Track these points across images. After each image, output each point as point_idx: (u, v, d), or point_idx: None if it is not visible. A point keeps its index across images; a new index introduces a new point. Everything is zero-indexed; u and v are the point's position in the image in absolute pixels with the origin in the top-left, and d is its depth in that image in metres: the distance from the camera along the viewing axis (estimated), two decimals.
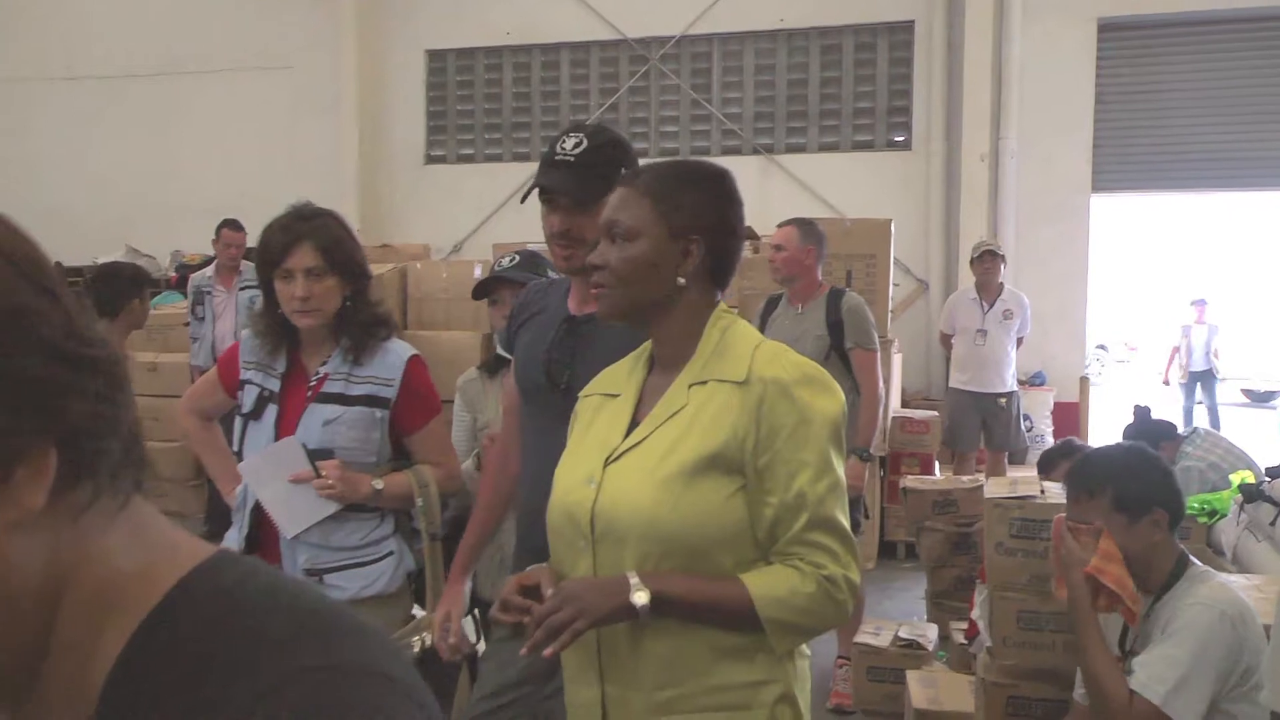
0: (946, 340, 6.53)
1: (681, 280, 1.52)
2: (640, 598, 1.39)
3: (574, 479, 1.54)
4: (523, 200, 1.97)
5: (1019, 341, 6.39)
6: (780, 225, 4.23)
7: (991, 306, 6.22)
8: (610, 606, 1.39)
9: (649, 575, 1.42)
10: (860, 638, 3.54)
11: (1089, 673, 2.08)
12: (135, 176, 9.57)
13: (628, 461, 1.49)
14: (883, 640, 3.49)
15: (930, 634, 3.62)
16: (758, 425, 1.43)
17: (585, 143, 1.88)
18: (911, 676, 3.09)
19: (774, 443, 1.43)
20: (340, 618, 0.57)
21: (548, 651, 1.39)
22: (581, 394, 1.70)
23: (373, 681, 0.53)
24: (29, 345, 0.50)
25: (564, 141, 1.90)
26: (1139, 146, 7.79)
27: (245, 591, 0.57)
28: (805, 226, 4.16)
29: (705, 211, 1.53)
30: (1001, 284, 6.26)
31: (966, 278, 7.45)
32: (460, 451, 2.67)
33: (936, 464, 6.21)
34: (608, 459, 1.51)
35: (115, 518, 0.56)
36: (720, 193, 1.56)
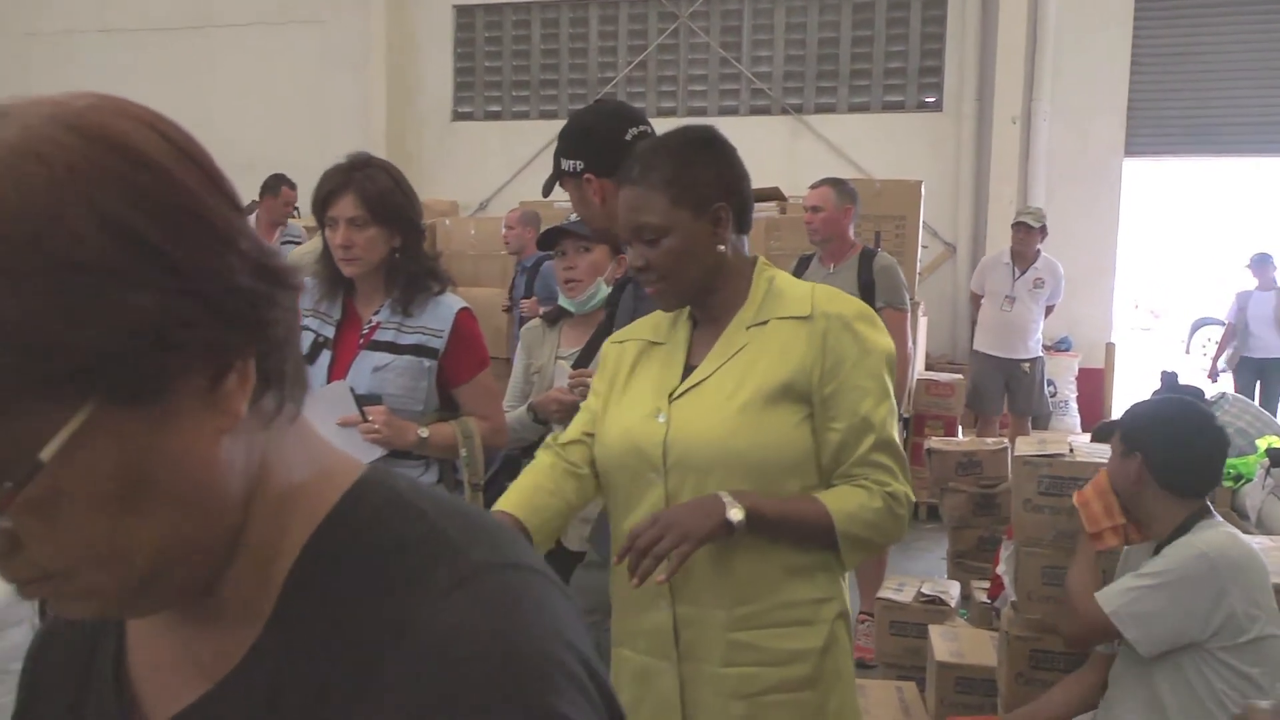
0: (977, 300, 6.51)
1: (722, 248, 1.60)
2: (736, 514, 1.47)
3: (636, 416, 1.61)
4: (545, 193, 2.18)
5: (1049, 310, 6.36)
6: (814, 186, 4.24)
7: (1023, 274, 6.18)
8: (710, 525, 1.46)
9: (739, 494, 1.50)
10: (883, 593, 3.60)
11: (1068, 577, 2.25)
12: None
13: (697, 396, 1.57)
14: (905, 596, 3.54)
15: (952, 591, 3.67)
16: (823, 356, 1.54)
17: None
18: (934, 631, 3.15)
19: (839, 372, 1.54)
20: (494, 521, 0.62)
21: (660, 578, 1.46)
22: (610, 340, 1.78)
23: (536, 577, 0.58)
24: (240, 261, 0.53)
25: None
26: (1174, 110, 7.69)
27: (415, 496, 0.60)
28: (840, 186, 4.18)
29: (718, 177, 1.60)
30: (1038, 251, 6.21)
31: (995, 242, 7.42)
32: (514, 394, 2.74)
33: (960, 427, 6.24)
34: (672, 396, 1.59)
35: (291, 429, 0.59)
36: (722, 153, 1.63)
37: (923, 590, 3.58)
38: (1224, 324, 7.83)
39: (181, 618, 0.59)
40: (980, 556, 4.12)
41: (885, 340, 1.59)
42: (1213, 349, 8.14)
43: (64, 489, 0.48)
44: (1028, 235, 6.12)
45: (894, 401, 1.60)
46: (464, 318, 2.29)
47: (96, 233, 0.47)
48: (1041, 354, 6.33)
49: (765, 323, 1.59)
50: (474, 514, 0.61)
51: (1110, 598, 2.08)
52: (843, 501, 1.54)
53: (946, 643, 3.03)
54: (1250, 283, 7.73)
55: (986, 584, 3.49)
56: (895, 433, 1.60)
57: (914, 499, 1.61)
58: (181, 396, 0.51)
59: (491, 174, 8.92)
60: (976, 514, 4.24)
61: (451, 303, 2.29)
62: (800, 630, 1.56)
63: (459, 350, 2.27)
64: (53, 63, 9.94)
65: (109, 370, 0.48)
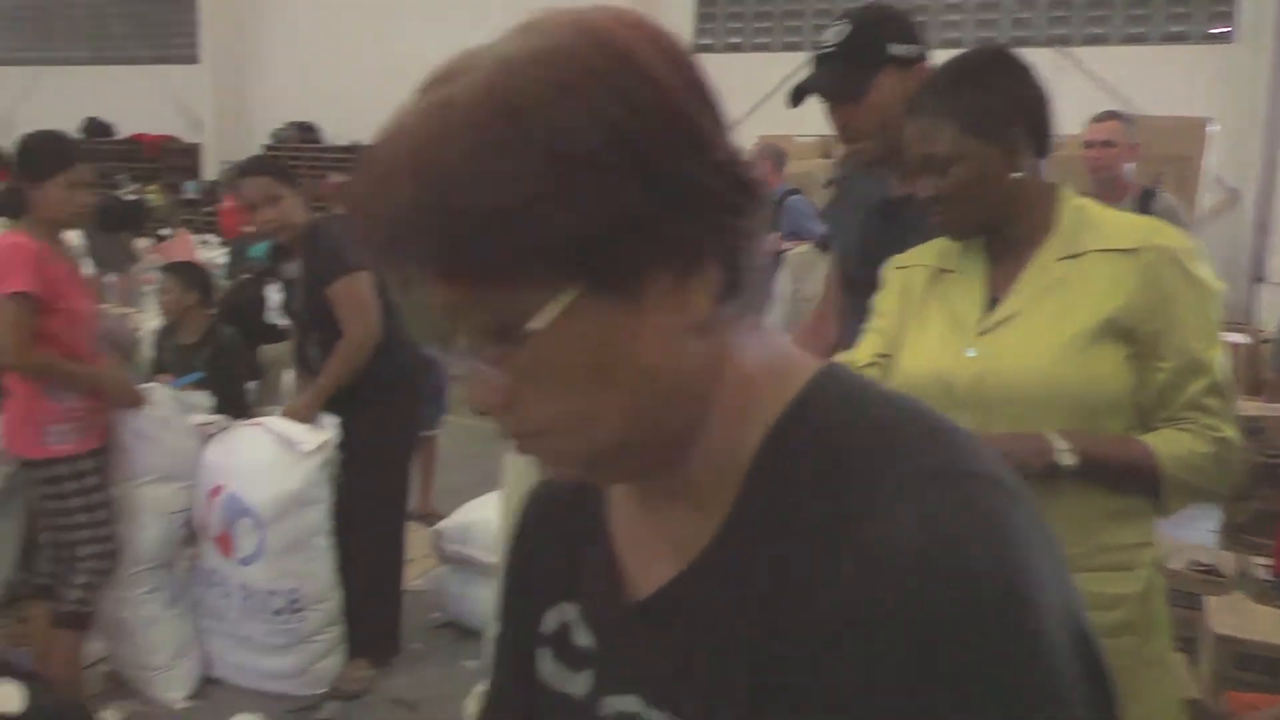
0: None
1: (1018, 175, 1.52)
2: (1068, 458, 1.42)
3: (941, 350, 1.57)
4: (794, 104, 1.92)
5: None
6: (1099, 119, 3.98)
7: None
8: (1041, 464, 1.43)
9: (1068, 434, 1.45)
10: None
11: None
12: (424, 54, 10.13)
13: (1011, 331, 1.52)
14: (1177, 564, 3.31)
15: (1228, 563, 3.40)
16: (1151, 291, 1.46)
17: (847, 28, 1.85)
18: (1212, 602, 2.93)
19: (1168, 308, 1.46)
20: (951, 425, 0.60)
21: None
22: (894, 264, 1.72)
23: (996, 489, 0.55)
24: (715, 170, 0.56)
25: (828, 31, 1.88)
26: None
27: (871, 394, 0.61)
28: (1128, 121, 3.92)
29: (1011, 100, 1.52)
30: None
31: None
32: (778, 319, 2.75)
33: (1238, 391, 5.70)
34: (981, 330, 1.54)
35: (751, 331, 0.62)
36: (1015, 73, 1.54)
37: (1199, 560, 3.33)
38: None
39: (656, 498, 0.64)
40: (1259, 530, 3.78)
41: (1211, 274, 1.50)
42: None
43: (547, 359, 0.55)
44: None
45: (1222, 343, 1.50)
46: None
47: (593, 131, 0.52)
48: None
49: (1081, 255, 1.52)
50: (930, 415, 0.60)
51: None
52: (1170, 445, 1.47)
53: (1227, 616, 2.82)
54: None
55: (1266, 560, 3.21)
56: (1228, 376, 1.50)
57: (1242, 446, 1.50)
58: (651, 290, 0.55)
59: (731, 107, 8.73)
60: (1258, 485, 3.89)
61: None
62: (1119, 575, 1.51)
63: None
64: None
65: (592, 257, 0.53)
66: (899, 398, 0.61)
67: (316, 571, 2.95)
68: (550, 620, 0.72)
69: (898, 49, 1.86)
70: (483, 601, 3.25)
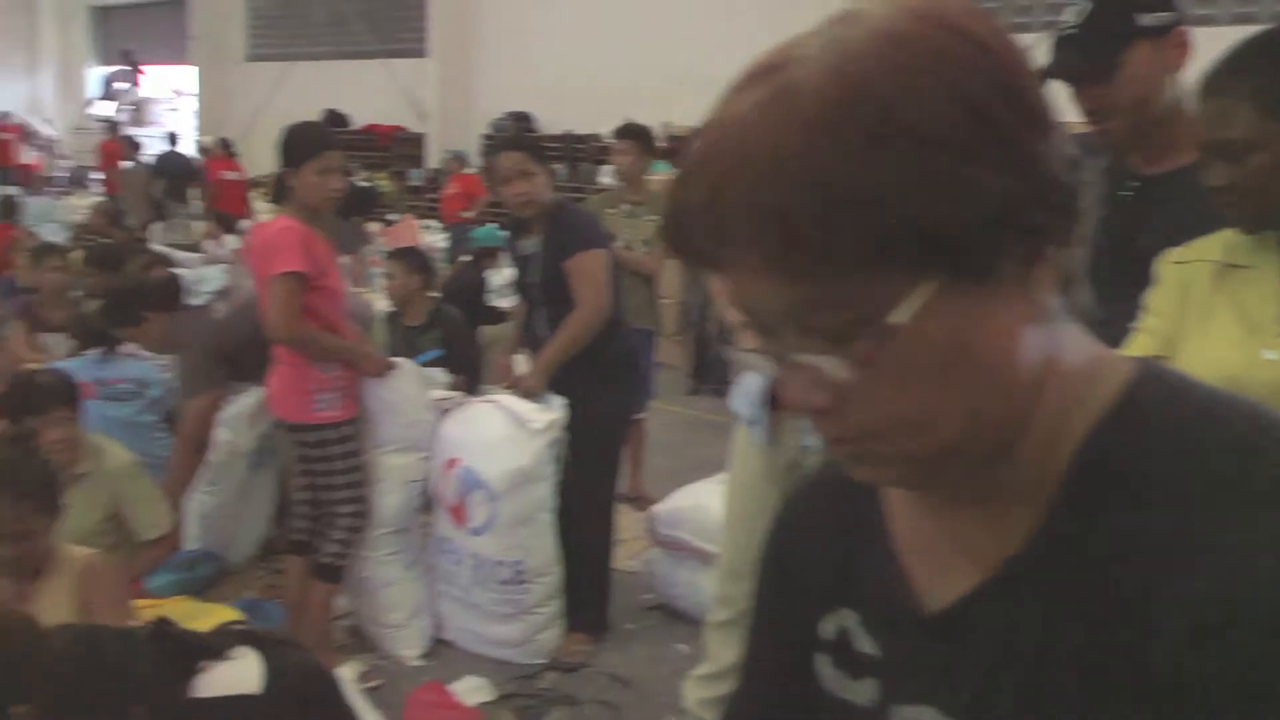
0: None
1: None
2: None
3: (1233, 352, 1.47)
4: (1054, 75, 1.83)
5: None
6: None
7: None
8: None
9: None
10: None
11: None
12: (636, 47, 10.33)
13: None
14: None
15: None
16: None
17: (1088, 5, 1.70)
18: None
19: None
20: None
21: None
22: (1171, 259, 1.59)
23: None
24: (1050, 144, 0.53)
25: (1068, 10, 1.74)
26: None
27: (1203, 393, 0.57)
28: None
29: None
30: None
31: None
32: None
33: None
34: None
35: (1069, 325, 0.58)
36: None
37: None
38: None
39: (952, 501, 0.60)
40: None
41: None
42: None
43: (902, 354, 0.52)
44: None
45: None
46: None
47: (957, 113, 0.50)
48: None
49: None
50: (1270, 415, 0.55)
51: None
52: None
53: None
54: None
55: None
56: None
57: None
58: (1002, 279, 0.52)
59: None
60: None
61: None
62: None
63: None
64: None
65: (953, 245, 0.50)
66: (1234, 397, 0.56)
67: (541, 546, 3.07)
68: (828, 626, 0.69)
69: (1147, 19, 1.71)
70: (694, 586, 3.28)
